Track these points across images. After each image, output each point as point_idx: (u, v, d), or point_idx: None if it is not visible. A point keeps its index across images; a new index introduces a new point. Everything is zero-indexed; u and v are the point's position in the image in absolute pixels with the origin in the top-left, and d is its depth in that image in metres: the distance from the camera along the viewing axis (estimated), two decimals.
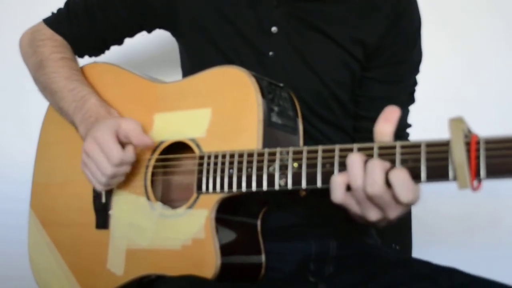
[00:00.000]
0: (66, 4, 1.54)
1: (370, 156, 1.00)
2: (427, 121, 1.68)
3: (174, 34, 1.52)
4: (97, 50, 1.57)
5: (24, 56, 1.55)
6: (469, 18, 2.02)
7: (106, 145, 1.24)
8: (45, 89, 1.47)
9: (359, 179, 0.99)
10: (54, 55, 1.47)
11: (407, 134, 1.46)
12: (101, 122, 1.29)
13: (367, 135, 1.07)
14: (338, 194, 1.02)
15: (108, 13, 1.49)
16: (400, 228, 1.56)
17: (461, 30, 2.02)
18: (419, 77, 1.46)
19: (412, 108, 1.47)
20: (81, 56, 1.57)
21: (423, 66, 1.46)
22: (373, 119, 1.02)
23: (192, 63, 1.45)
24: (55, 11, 1.56)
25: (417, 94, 1.48)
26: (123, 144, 1.27)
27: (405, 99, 1.45)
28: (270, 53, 1.37)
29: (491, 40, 2.00)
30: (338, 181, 1.01)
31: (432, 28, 1.56)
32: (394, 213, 1.01)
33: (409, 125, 1.47)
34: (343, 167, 1.02)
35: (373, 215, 1.02)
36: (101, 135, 1.25)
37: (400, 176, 0.96)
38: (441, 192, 1.33)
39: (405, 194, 0.96)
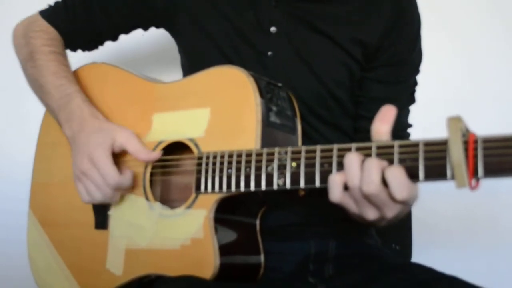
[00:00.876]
0: None
1: (368, 155, 1.00)
2: (427, 121, 1.68)
3: (172, 33, 1.52)
4: (91, 45, 1.57)
5: (17, 47, 1.53)
6: (469, 18, 2.03)
7: (103, 168, 1.25)
8: (33, 81, 1.46)
9: (356, 179, 0.99)
10: (44, 48, 1.46)
11: (408, 134, 1.47)
12: (92, 135, 1.29)
13: (368, 135, 1.07)
14: (335, 193, 1.02)
15: (106, 8, 1.49)
16: (400, 228, 1.56)
17: (461, 30, 2.02)
18: (419, 77, 1.47)
19: (412, 108, 1.47)
20: (74, 50, 1.56)
21: (423, 66, 1.46)
22: (373, 120, 1.02)
23: (191, 63, 1.46)
24: (52, 4, 1.55)
25: (417, 94, 1.48)
26: (121, 156, 1.29)
27: (406, 99, 1.45)
28: (269, 53, 1.37)
29: (491, 40, 2.00)
30: (335, 180, 1.01)
31: (432, 28, 1.56)
32: (391, 212, 1.01)
33: (410, 125, 1.47)
34: (341, 166, 1.02)
35: (370, 214, 1.02)
36: (97, 156, 1.26)
37: (395, 174, 0.96)
38: (441, 191, 1.33)
39: (400, 192, 0.96)
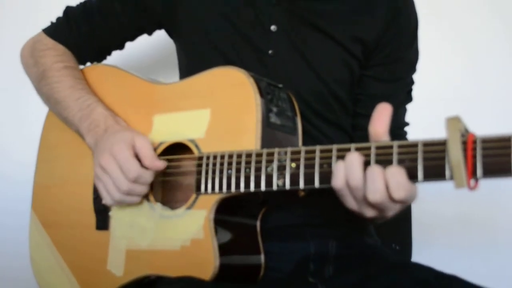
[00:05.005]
0: (65, 12, 1.54)
1: (367, 155, 0.99)
2: (427, 121, 1.68)
3: (172, 35, 1.52)
4: (99, 56, 1.57)
5: (26, 66, 1.54)
6: (469, 18, 2.03)
7: (124, 160, 1.23)
8: (49, 99, 1.46)
9: (358, 180, 0.98)
10: (56, 65, 1.46)
11: (405, 132, 1.47)
12: (116, 135, 1.28)
13: (366, 133, 1.07)
14: (337, 180, 1.00)
15: (108, 19, 1.49)
16: (400, 228, 1.56)
17: (461, 30, 2.02)
18: (418, 77, 1.47)
19: (411, 107, 1.48)
20: (83, 63, 1.56)
21: (423, 66, 1.47)
22: (370, 117, 1.02)
23: (191, 64, 1.45)
24: (54, 20, 1.55)
25: (417, 94, 1.48)
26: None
27: (403, 97, 1.46)
28: (270, 52, 1.37)
29: (491, 40, 2.00)
30: (340, 168, 1.00)
31: (432, 28, 1.56)
32: (391, 212, 1.02)
33: (407, 123, 1.47)
34: None
35: (369, 213, 1.02)
36: (119, 149, 1.24)
37: (393, 174, 0.96)
38: (441, 192, 1.33)
39: (397, 192, 0.96)
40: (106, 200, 1.28)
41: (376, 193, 0.97)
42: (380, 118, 1.00)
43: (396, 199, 0.97)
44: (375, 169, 0.98)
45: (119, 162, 1.23)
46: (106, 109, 1.37)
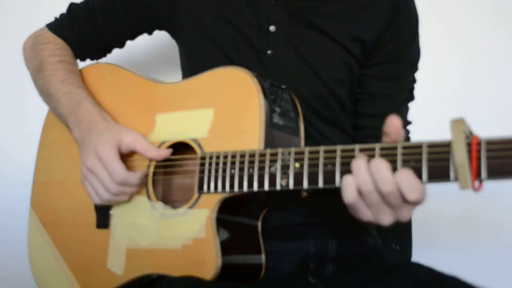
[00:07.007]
0: (68, 8, 1.56)
1: (371, 156, 1.00)
2: (427, 121, 1.68)
3: (174, 35, 1.52)
4: (99, 53, 1.58)
5: (26, 59, 1.56)
6: (470, 17, 2.02)
7: (109, 163, 1.25)
8: (43, 92, 1.48)
9: (368, 183, 0.98)
10: (52, 58, 1.48)
11: (407, 131, 1.47)
12: (100, 136, 1.29)
13: (368, 132, 1.07)
14: (349, 194, 1.00)
15: (109, 17, 1.51)
16: (400, 228, 1.56)
17: (462, 29, 2.02)
18: (419, 77, 1.47)
19: (412, 107, 1.47)
20: (83, 59, 1.58)
21: (423, 66, 1.46)
22: (373, 116, 1.02)
23: (193, 64, 1.46)
24: (57, 16, 1.57)
25: (418, 94, 1.48)
26: (125, 156, 1.29)
27: (404, 96, 1.45)
28: (269, 52, 1.38)
29: (492, 40, 2.00)
30: (349, 181, 1.00)
31: (432, 28, 1.56)
32: (407, 213, 1.01)
33: (409, 122, 1.47)
34: (344, 167, 1.02)
35: (387, 219, 1.02)
36: (104, 151, 1.26)
37: (403, 176, 0.96)
38: (441, 192, 1.33)
39: (413, 193, 0.96)
40: (95, 200, 1.31)
41: (386, 184, 0.97)
42: (391, 133, 1.00)
43: (412, 200, 0.97)
44: (376, 162, 0.97)
45: (106, 166, 1.26)
46: (94, 104, 1.38)
